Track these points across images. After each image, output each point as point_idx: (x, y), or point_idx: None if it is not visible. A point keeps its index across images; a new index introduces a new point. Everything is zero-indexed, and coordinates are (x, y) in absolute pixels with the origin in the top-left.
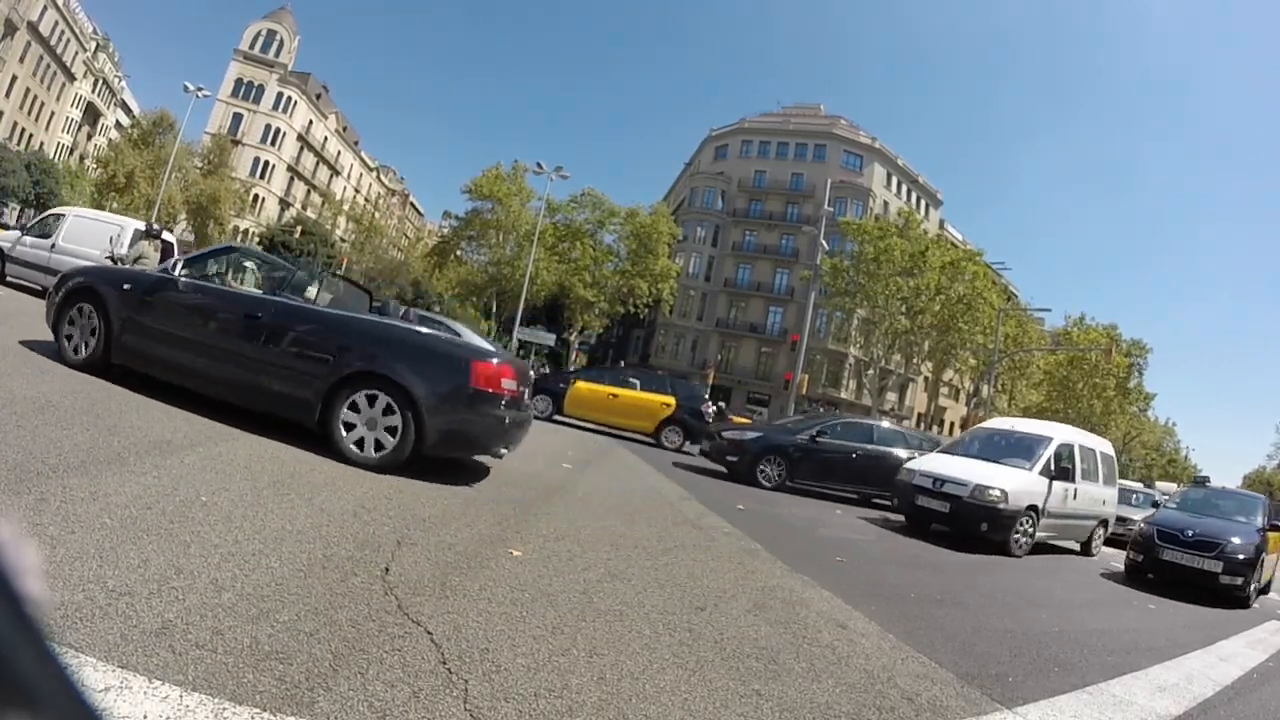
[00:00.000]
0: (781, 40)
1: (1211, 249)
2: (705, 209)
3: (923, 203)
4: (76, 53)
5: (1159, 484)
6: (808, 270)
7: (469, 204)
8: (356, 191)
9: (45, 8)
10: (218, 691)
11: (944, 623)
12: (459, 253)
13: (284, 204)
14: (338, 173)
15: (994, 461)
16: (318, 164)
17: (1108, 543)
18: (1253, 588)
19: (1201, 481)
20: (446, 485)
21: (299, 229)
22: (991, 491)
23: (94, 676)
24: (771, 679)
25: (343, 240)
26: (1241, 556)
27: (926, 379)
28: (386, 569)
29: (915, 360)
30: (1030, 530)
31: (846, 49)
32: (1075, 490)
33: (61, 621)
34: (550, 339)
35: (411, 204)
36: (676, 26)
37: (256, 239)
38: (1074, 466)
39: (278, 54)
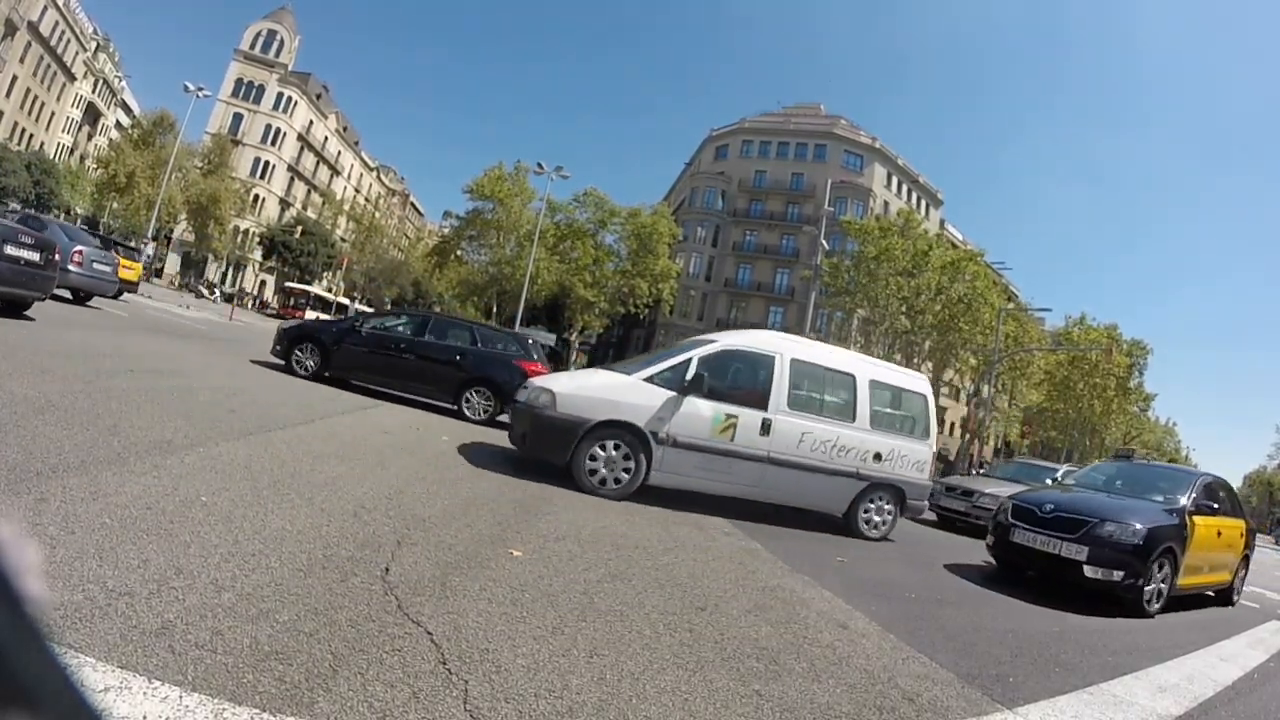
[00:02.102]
0: (782, 41)
1: (1213, 251)
2: (706, 209)
3: (923, 202)
4: (77, 53)
5: None
6: (808, 270)
7: (470, 204)
8: (357, 191)
9: (45, 8)
10: (217, 692)
11: (944, 623)
12: (459, 253)
13: (284, 204)
14: (338, 173)
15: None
16: (318, 164)
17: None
18: (1150, 587)
19: (1126, 455)
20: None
21: (299, 229)
22: (542, 394)
23: (94, 676)
24: (772, 679)
25: (343, 240)
26: (1124, 542)
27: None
28: (386, 569)
29: (916, 360)
30: (624, 459)
31: (848, 50)
32: (767, 421)
33: (61, 621)
34: (550, 339)
35: (412, 204)
36: (677, 27)
37: (257, 239)
38: (767, 387)
39: (278, 54)
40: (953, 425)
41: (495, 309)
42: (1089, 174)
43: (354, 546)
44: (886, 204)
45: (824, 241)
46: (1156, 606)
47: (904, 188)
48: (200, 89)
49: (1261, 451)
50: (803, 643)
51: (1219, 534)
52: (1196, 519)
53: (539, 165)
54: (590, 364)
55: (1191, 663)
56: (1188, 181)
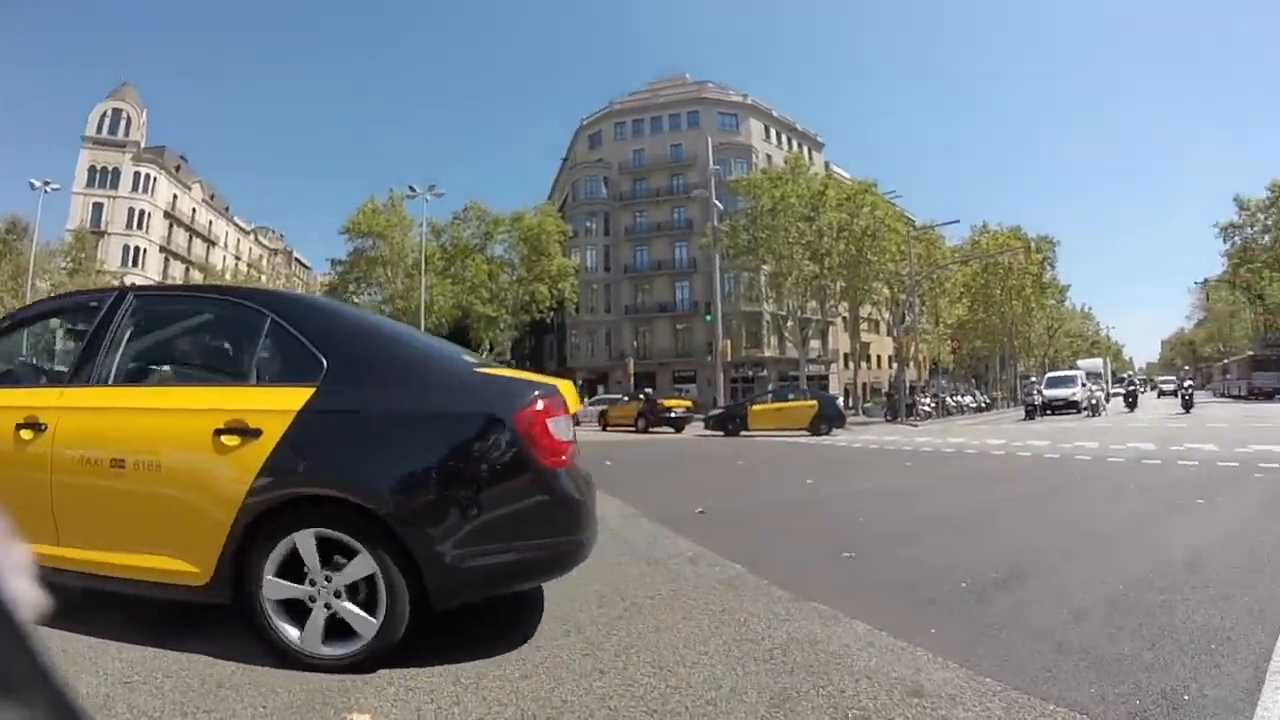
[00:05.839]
0: (634, 19)
1: (1089, 139)
2: (590, 199)
3: (805, 149)
4: None
5: (1079, 361)
6: (706, 236)
7: (351, 244)
8: (238, 259)
9: None
10: None
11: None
12: (350, 297)
13: None
14: (213, 243)
15: None
16: (191, 238)
17: None
18: None
19: None
20: None
21: None
22: None
23: None
24: None
25: None
26: None
27: (844, 319)
28: None
29: (830, 303)
30: None
31: (700, 14)
32: None
33: None
34: None
35: (297, 260)
36: (520, 27)
37: None
38: None
39: (127, 132)
40: (879, 358)
41: None
42: (951, 95)
43: None
44: (769, 157)
45: (716, 201)
46: None
47: (783, 138)
48: (46, 183)
49: (1180, 315)
50: None
51: None
52: None
53: (410, 189)
54: None
55: None
56: (1045, 83)
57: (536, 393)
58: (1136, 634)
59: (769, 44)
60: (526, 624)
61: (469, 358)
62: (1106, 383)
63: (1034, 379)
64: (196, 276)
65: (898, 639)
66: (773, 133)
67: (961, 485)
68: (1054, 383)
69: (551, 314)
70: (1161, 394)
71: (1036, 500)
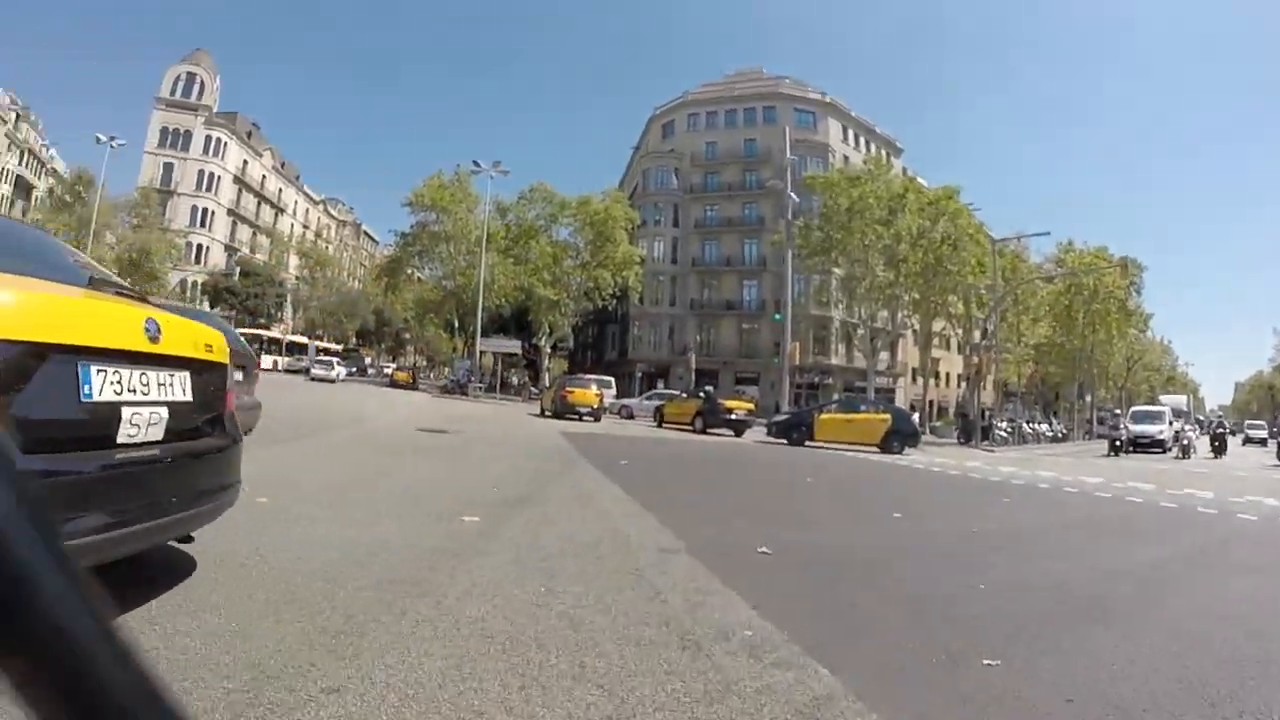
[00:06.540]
0: (714, 11)
1: (1198, 168)
2: (660, 189)
3: (883, 153)
4: None
5: (1162, 397)
6: (778, 235)
7: (414, 218)
8: (305, 228)
9: None
10: None
11: None
12: (412, 270)
13: (230, 250)
14: (281, 210)
15: None
16: (259, 204)
17: None
18: None
19: None
20: None
21: (238, 271)
22: None
23: None
24: None
25: (297, 278)
26: None
27: (915, 332)
28: None
29: (902, 314)
30: None
31: (783, 9)
32: None
33: None
34: (515, 346)
35: (365, 233)
36: (607, 12)
37: (200, 288)
38: None
39: (200, 96)
40: (948, 376)
41: (457, 324)
42: (1043, 111)
43: None
44: (846, 158)
45: (792, 194)
46: None
47: (861, 140)
48: (113, 139)
49: (1262, 357)
50: None
51: None
52: None
53: (475, 164)
54: (570, 369)
55: None
56: (1147, 105)
57: None
58: None
59: (849, 44)
60: None
61: None
62: (1192, 422)
63: (1117, 411)
64: (263, 241)
65: None
66: (850, 134)
67: (1086, 539)
68: (1140, 418)
69: (615, 303)
70: (1248, 440)
71: (1199, 572)
